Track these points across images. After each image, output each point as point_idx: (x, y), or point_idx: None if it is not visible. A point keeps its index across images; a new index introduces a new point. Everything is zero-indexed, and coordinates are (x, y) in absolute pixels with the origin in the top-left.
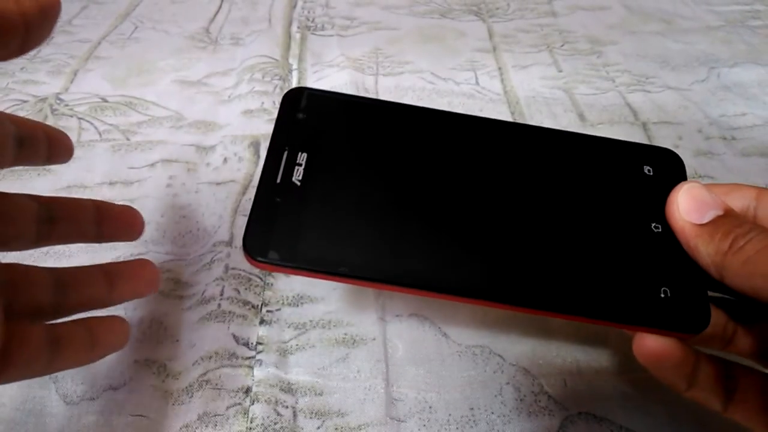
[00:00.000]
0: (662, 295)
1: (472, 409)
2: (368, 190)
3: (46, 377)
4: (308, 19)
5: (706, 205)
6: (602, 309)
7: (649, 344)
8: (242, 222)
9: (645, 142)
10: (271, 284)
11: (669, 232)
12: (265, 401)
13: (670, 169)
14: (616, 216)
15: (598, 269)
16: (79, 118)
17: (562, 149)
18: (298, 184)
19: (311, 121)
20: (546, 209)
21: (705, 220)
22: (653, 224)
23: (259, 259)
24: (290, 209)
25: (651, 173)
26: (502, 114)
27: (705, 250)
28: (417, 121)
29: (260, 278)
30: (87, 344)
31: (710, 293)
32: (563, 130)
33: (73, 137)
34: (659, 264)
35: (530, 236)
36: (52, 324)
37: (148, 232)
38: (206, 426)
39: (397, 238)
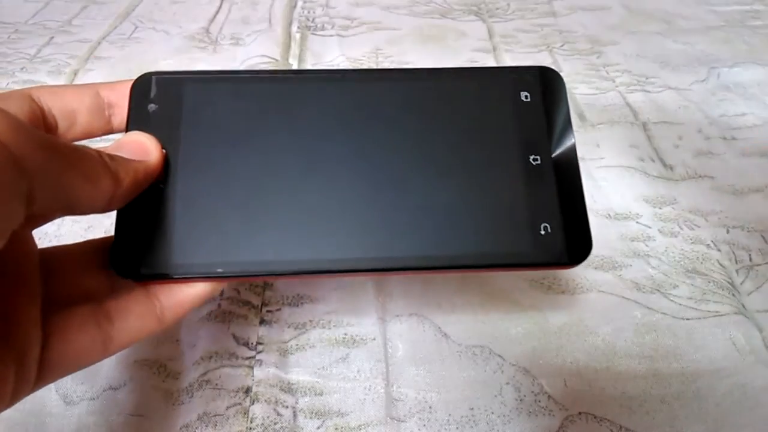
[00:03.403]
0: (543, 232)
1: (472, 409)
2: (236, 179)
3: None
4: (308, 19)
5: None
6: (483, 256)
7: None
8: None
9: (644, 141)
10: (271, 284)
11: (549, 162)
12: (265, 401)
13: (549, 91)
14: (492, 153)
15: (475, 214)
16: None
17: (428, 89)
18: (161, 186)
19: (165, 111)
20: (418, 159)
21: None
22: (532, 156)
23: (129, 277)
24: (156, 215)
25: (528, 99)
26: None
27: None
28: (272, 88)
29: None
30: (149, 309)
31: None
32: (427, 67)
33: None
34: (538, 199)
35: (404, 191)
36: (99, 301)
37: None
38: (206, 426)
39: (271, 223)
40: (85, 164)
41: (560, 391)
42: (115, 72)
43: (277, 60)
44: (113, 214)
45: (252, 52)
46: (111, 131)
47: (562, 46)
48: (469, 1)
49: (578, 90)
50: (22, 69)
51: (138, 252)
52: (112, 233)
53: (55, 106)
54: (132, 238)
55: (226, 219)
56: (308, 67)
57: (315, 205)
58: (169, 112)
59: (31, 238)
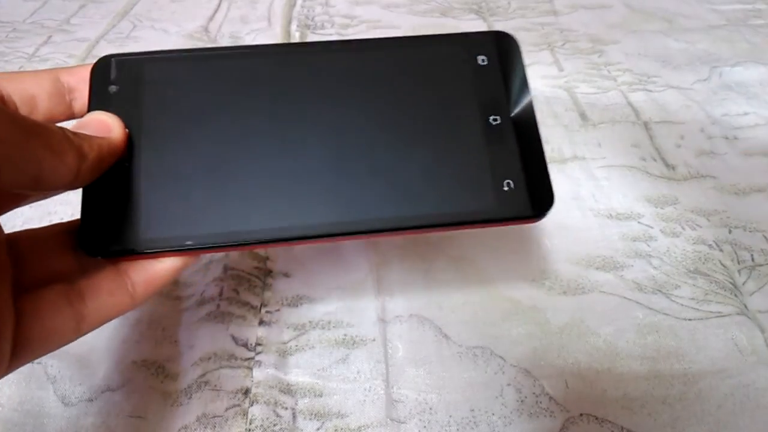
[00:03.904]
0: (506, 188)
1: (472, 410)
2: (198, 153)
3: (44, 378)
4: (308, 18)
5: None
6: (449, 215)
7: None
8: None
9: (646, 141)
10: (271, 284)
11: (508, 122)
12: (265, 402)
13: (505, 54)
14: (452, 117)
15: (440, 176)
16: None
17: (386, 57)
18: (126, 164)
19: (126, 92)
20: (379, 125)
21: None
22: (491, 117)
23: (98, 255)
24: (121, 193)
25: (485, 62)
26: None
27: None
28: (230, 64)
29: (259, 279)
30: (120, 286)
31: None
32: (384, 37)
33: None
34: (499, 157)
35: (367, 156)
36: (70, 281)
37: None
38: (205, 427)
39: (236, 194)
40: (50, 137)
41: (561, 393)
42: None
43: None
44: None
45: None
46: (72, 116)
47: (563, 45)
48: (470, 0)
49: (579, 89)
50: (20, 68)
51: (105, 230)
52: None
53: (14, 92)
54: (98, 216)
55: (190, 193)
56: None
57: (277, 175)
58: (130, 92)
59: None
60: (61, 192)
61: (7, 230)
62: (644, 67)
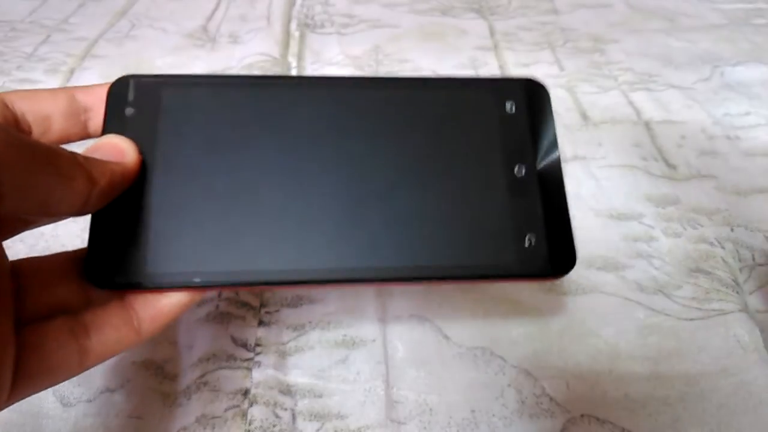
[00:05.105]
0: (527, 244)
1: (473, 411)
2: (214, 185)
3: None
4: (307, 17)
5: None
6: (467, 268)
7: None
8: None
9: (647, 140)
10: None
11: (533, 173)
12: (264, 403)
13: (534, 102)
14: (476, 164)
15: (460, 226)
16: None
17: (413, 98)
18: (137, 192)
19: (143, 115)
20: (402, 168)
21: None
22: (516, 167)
23: (105, 287)
24: (131, 224)
25: (513, 110)
26: None
27: None
28: (255, 93)
29: None
30: (125, 320)
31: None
32: (412, 76)
33: None
34: (523, 210)
35: (387, 200)
36: (75, 314)
37: None
38: (204, 428)
39: (250, 231)
40: (59, 162)
41: (562, 393)
42: (112, 70)
43: (276, 58)
44: None
45: (250, 50)
46: (88, 136)
47: (564, 44)
48: None
49: (580, 88)
50: (18, 67)
51: (112, 261)
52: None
53: (29, 111)
54: (106, 246)
55: (202, 227)
56: (307, 65)
57: (294, 215)
58: (146, 116)
59: (1, 249)
60: (69, 217)
61: (10, 255)
62: (645, 66)
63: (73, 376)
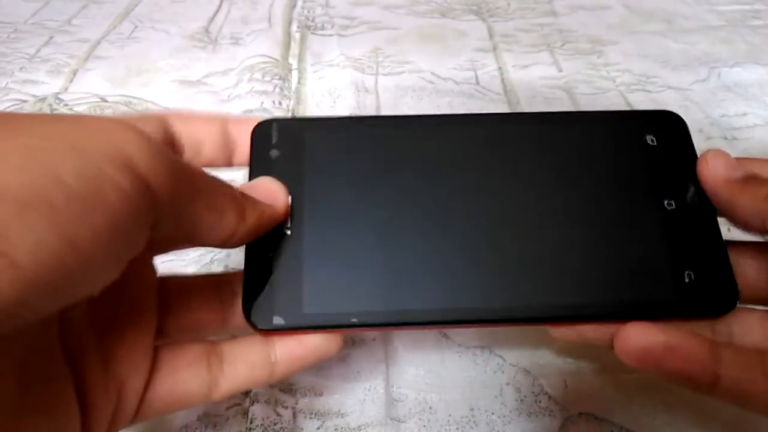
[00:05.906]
0: (687, 280)
1: (472, 409)
2: (364, 225)
3: None
4: (308, 19)
5: (734, 165)
6: (625, 307)
7: (637, 339)
8: None
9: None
10: None
11: (684, 207)
12: (265, 402)
13: (674, 134)
14: (625, 199)
15: (614, 262)
16: None
17: (555, 133)
18: (288, 232)
19: (288, 157)
20: (551, 206)
21: (738, 175)
22: (666, 201)
23: (265, 328)
24: (285, 264)
25: (654, 143)
26: None
27: (745, 200)
28: (399, 132)
29: None
30: (263, 359)
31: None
32: (552, 111)
33: None
34: (678, 245)
35: (540, 239)
36: (214, 341)
37: None
38: (206, 427)
39: (407, 272)
40: (216, 194)
41: (561, 392)
42: (114, 72)
43: (276, 59)
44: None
45: (251, 52)
46: (230, 165)
47: (562, 45)
48: (470, 1)
49: (579, 90)
50: (21, 69)
51: (271, 303)
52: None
53: (184, 134)
54: (263, 289)
55: (355, 267)
56: (308, 66)
57: (445, 254)
58: (291, 158)
59: (152, 265)
60: (210, 247)
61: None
62: (643, 67)
63: (198, 405)
